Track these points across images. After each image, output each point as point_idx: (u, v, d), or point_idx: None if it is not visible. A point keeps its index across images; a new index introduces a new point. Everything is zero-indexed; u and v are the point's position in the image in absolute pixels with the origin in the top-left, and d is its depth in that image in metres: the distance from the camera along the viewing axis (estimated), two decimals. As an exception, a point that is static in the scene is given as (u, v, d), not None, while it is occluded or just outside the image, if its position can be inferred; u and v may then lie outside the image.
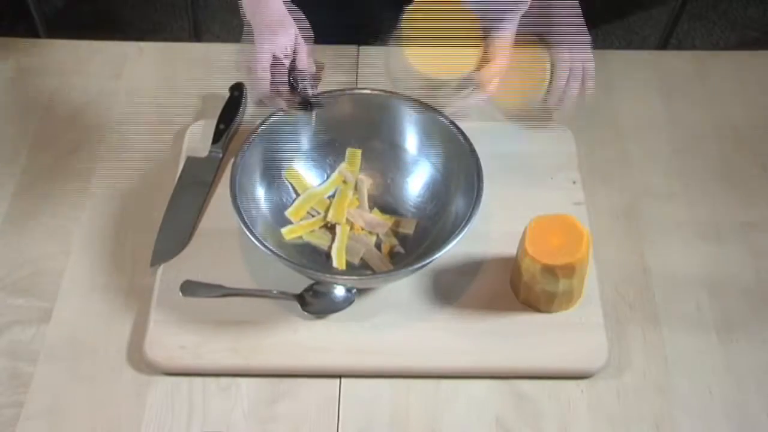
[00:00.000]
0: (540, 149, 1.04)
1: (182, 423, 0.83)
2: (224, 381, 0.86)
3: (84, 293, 0.92)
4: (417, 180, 0.99)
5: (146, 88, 1.13)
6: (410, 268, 0.86)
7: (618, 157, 1.06)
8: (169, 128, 1.07)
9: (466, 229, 0.86)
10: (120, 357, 0.88)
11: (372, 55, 1.16)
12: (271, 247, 0.86)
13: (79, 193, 1.01)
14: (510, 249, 0.90)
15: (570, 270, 0.84)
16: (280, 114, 0.96)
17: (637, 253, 0.96)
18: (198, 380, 0.86)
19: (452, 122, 0.95)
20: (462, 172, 0.93)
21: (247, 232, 0.86)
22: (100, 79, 1.14)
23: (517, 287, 0.90)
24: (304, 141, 0.99)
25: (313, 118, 0.97)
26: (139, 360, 0.87)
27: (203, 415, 0.84)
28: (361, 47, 1.17)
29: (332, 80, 1.12)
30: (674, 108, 1.11)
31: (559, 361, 0.86)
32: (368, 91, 0.99)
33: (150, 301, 0.90)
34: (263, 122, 0.95)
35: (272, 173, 0.97)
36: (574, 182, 1.01)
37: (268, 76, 0.93)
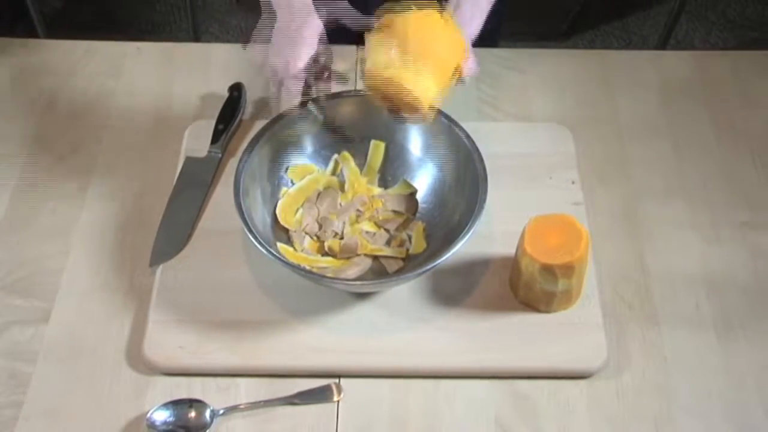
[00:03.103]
0: (539, 149, 1.04)
1: (181, 423, 0.83)
2: (223, 381, 0.86)
3: (83, 293, 0.92)
4: (421, 181, 0.99)
5: (145, 88, 1.13)
6: (416, 272, 0.85)
7: (617, 157, 1.06)
8: (168, 128, 1.07)
9: (471, 231, 0.86)
10: (119, 357, 0.88)
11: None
12: (273, 251, 0.86)
13: (79, 193, 1.01)
14: (509, 249, 0.90)
15: (569, 269, 0.84)
16: (285, 117, 0.95)
17: (636, 253, 0.96)
18: (197, 380, 0.86)
19: (457, 124, 0.95)
20: (467, 174, 0.93)
21: (250, 236, 0.85)
22: (99, 79, 1.14)
23: (516, 287, 0.90)
24: (308, 144, 0.99)
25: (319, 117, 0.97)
26: (138, 360, 0.87)
27: (202, 415, 0.84)
28: (360, 47, 1.17)
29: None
30: (673, 108, 1.11)
31: (558, 360, 0.86)
32: (349, 93, 0.98)
33: (149, 301, 0.90)
34: (267, 125, 0.95)
35: (275, 175, 0.97)
36: (573, 182, 1.01)
37: (300, 86, 0.89)
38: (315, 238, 0.95)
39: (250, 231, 0.86)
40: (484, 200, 0.88)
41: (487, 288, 0.91)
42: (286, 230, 0.95)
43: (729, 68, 1.16)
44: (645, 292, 0.93)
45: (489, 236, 0.95)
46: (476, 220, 0.87)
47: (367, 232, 0.95)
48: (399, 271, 0.92)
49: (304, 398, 0.84)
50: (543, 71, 1.16)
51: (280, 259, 0.85)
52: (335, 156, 1.00)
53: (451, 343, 0.87)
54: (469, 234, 0.86)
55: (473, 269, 0.93)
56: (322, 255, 0.94)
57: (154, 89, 1.13)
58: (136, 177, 1.03)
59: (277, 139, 0.96)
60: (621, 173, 1.04)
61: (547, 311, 0.89)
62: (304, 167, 0.99)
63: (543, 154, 1.03)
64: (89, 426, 0.83)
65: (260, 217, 0.93)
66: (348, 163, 0.99)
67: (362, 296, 0.91)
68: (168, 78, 1.15)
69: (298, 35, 0.87)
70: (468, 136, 0.94)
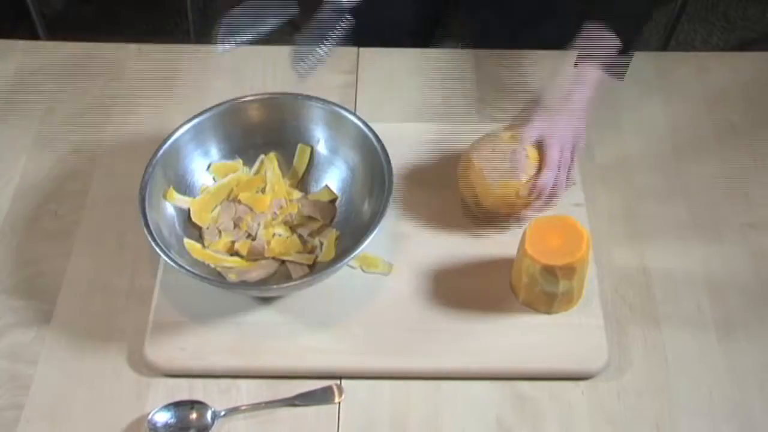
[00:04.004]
0: (540, 150, 1.04)
1: (182, 424, 0.83)
2: (224, 382, 0.86)
3: (84, 295, 0.92)
4: (331, 182, 0.99)
5: (145, 89, 1.13)
6: (323, 273, 0.85)
7: (618, 158, 1.06)
8: (168, 129, 1.07)
9: (375, 231, 0.85)
10: (120, 359, 0.88)
11: (373, 56, 1.16)
12: (174, 258, 0.85)
13: (79, 194, 1.01)
14: (510, 250, 0.90)
15: (570, 270, 0.84)
16: (187, 124, 0.95)
17: (637, 254, 0.96)
18: (198, 381, 0.86)
19: (363, 122, 0.94)
20: (374, 172, 0.92)
21: (150, 239, 0.85)
22: (100, 80, 1.14)
23: (517, 288, 0.90)
24: (214, 151, 0.98)
25: None
26: (139, 362, 0.87)
27: (203, 416, 0.84)
28: (361, 49, 1.17)
29: (332, 81, 1.12)
30: (674, 109, 1.11)
31: (559, 361, 0.86)
32: (276, 95, 0.98)
33: (150, 303, 0.90)
34: (169, 136, 0.94)
35: (185, 183, 0.96)
36: (573, 183, 1.01)
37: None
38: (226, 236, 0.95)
39: (150, 233, 0.86)
40: (390, 188, 0.88)
41: (488, 289, 0.91)
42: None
43: (730, 69, 1.16)
44: (646, 293, 0.93)
45: (490, 237, 0.95)
46: (383, 214, 0.86)
47: (279, 236, 0.95)
48: (302, 277, 0.91)
49: (306, 400, 0.84)
50: (544, 72, 1.15)
51: (171, 260, 0.84)
52: (262, 156, 0.99)
53: (452, 345, 0.87)
54: (376, 230, 0.85)
55: (474, 271, 0.93)
56: (231, 254, 0.94)
57: (154, 91, 1.13)
58: (137, 177, 1.02)
59: (179, 150, 0.95)
60: (622, 174, 1.04)
61: (548, 312, 0.89)
62: (228, 165, 0.99)
63: (544, 155, 1.03)
64: (90, 428, 0.83)
65: (171, 213, 0.93)
66: (272, 165, 0.98)
67: (362, 298, 0.90)
68: (168, 79, 1.15)
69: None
70: (373, 132, 0.93)
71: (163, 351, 0.86)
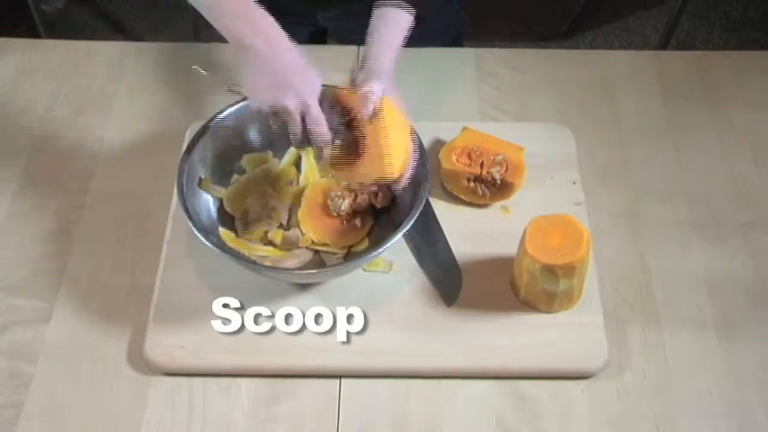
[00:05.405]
0: (540, 149, 1.04)
1: (182, 423, 0.83)
2: (224, 381, 0.86)
3: (84, 293, 0.92)
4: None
5: (146, 88, 1.13)
6: (358, 260, 0.87)
7: (618, 157, 1.06)
8: (168, 128, 1.07)
9: (409, 224, 0.86)
10: (120, 357, 0.88)
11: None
12: (215, 242, 0.86)
13: (79, 193, 1.01)
14: (510, 249, 0.90)
15: (570, 269, 0.84)
16: (226, 112, 0.95)
17: (637, 253, 0.96)
18: (198, 380, 0.86)
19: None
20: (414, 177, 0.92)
21: (190, 223, 0.86)
22: (100, 79, 1.14)
23: (517, 287, 0.90)
24: (266, 133, 0.98)
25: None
26: (139, 360, 0.87)
27: (203, 415, 0.84)
28: (361, 47, 1.16)
29: (332, 80, 1.12)
30: (674, 108, 1.11)
31: (559, 361, 0.86)
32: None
33: (150, 301, 0.90)
34: (209, 121, 0.94)
35: (223, 171, 0.97)
36: (574, 182, 1.01)
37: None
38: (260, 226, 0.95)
39: (190, 218, 0.86)
40: (427, 183, 0.88)
41: (489, 288, 0.91)
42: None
43: (730, 68, 1.16)
44: (646, 293, 0.93)
45: (490, 236, 0.95)
46: (417, 207, 0.86)
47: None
48: (336, 264, 0.92)
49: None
50: (544, 71, 1.16)
51: (219, 248, 0.85)
52: (291, 148, 1.00)
53: (451, 344, 0.87)
54: (410, 223, 0.85)
55: (474, 269, 0.93)
56: (264, 244, 0.94)
57: (154, 89, 1.13)
58: (137, 177, 1.03)
59: (230, 128, 0.95)
60: (622, 173, 1.04)
61: (548, 311, 0.89)
62: (259, 156, 0.99)
63: (544, 155, 1.03)
64: (90, 426, 0.83)
65: (205, 203, 0.94)
66: (309, 157, 0.99)
67: (362, 296, 0.90)
68: (168, 78, 1.15)
69: (296, 66, 0.83)
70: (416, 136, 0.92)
71: (163, 349, 0.86)
